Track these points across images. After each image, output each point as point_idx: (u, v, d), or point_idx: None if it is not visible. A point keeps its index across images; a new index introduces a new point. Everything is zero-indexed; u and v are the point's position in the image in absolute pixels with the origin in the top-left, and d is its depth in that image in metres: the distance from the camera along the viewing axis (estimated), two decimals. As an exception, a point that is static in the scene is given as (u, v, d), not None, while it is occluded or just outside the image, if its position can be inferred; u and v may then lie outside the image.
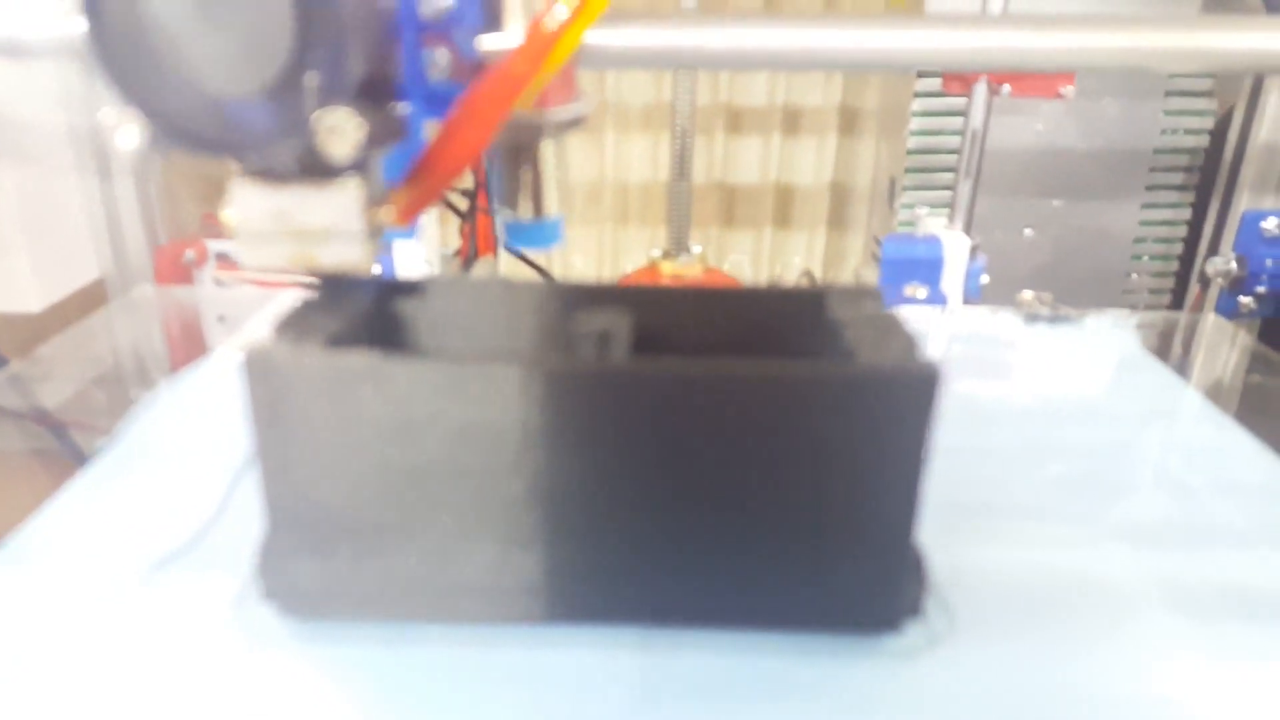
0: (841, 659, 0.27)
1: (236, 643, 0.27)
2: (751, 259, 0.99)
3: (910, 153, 0.92)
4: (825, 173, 1.31)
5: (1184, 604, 0.30)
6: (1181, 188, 0.84)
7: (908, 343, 0.27)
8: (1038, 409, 0.45)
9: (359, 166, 0.25)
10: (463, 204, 0.75)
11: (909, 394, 0.25)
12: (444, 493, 0.26)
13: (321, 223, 0.25)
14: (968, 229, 0.76)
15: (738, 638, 0.28)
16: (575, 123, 0.29)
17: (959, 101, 0.85)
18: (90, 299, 0.71)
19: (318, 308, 0.29)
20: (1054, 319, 0.55)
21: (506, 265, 0.83)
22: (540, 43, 0.25)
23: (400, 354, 0.25)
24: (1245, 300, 0.74)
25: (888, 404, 0.25)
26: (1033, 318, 0.55)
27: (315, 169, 0.24)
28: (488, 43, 0.26)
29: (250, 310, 0.54)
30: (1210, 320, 0.60)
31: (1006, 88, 0.75)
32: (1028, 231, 0.91)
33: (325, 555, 0.27)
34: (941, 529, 0.33)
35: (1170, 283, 0.85)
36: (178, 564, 0.31)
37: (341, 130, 0.23)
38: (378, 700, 0.26)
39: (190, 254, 0.70)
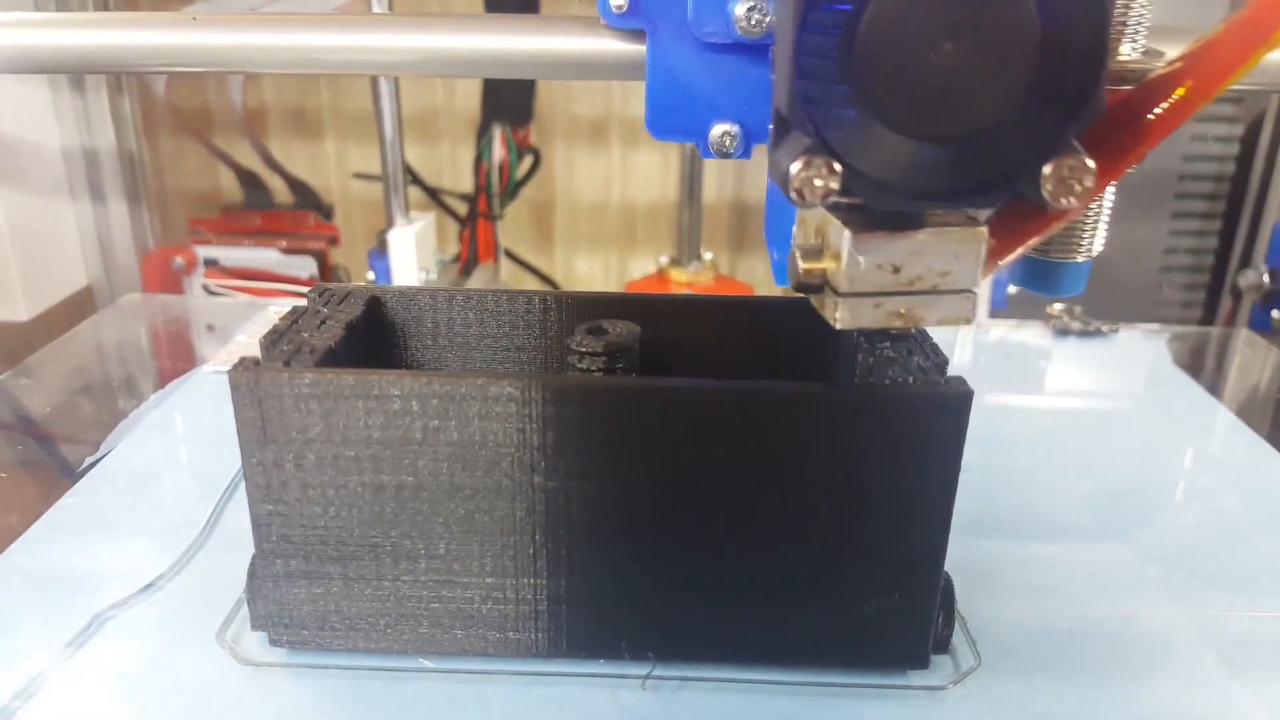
0: (864, 696, 0.26)
1: (223, 674, 0.26)
2: (764, 283, 0.97)
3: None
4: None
5: (1214, 635, 0.29)
6: (1211, 197, 0.82)
7: (934, 357, 0.25)
8: (1067, 425, 0.44)
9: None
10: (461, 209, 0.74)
11: (940, 416, 0.23)
12: (440, 516, 0.25)
13: (933, 278, 0.21)
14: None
15: (750, 675, 0.26)
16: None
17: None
18: (78, 307, 0.70)
19: (308, 320, 0.27)
20: (1084, 332, 0.53)
21: (507, 272, 0.81)
22: None
23: (394, 369, 0.24)
24: (1277, 315, 0.72)
25: (918, 427, 0.23)
26: (1063, 331, 0.54)
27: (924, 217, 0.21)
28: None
29: (240, 319, 0.53)
30: (1243, 335, 0.58)
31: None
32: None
33: (316, 582, 0.25)
34: (966, 553, 0.31)
35: (1202, 296, 0.83)
36: (161, 590, 0.29)
37: (1075, 180, 0.19)
38: (369, 738, 0.24)
39: (179, 261, 0.69)
